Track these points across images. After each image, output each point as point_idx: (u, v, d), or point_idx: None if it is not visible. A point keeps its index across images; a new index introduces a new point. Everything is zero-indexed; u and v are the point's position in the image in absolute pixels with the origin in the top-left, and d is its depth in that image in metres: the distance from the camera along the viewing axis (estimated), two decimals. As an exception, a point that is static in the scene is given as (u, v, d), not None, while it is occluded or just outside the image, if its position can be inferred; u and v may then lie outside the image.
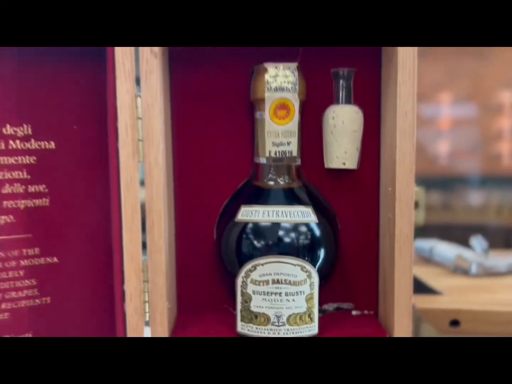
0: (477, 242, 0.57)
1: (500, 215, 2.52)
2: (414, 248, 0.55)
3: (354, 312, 0.39)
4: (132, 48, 0.32)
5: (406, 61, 0.33)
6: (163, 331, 0.34)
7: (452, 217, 2.57)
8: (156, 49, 0.32)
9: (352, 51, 0.37)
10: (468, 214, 2.61)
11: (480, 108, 4.71)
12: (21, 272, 0.34)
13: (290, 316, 0.33)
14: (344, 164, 0.37)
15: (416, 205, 0.36)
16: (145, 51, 0.32)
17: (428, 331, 0.41)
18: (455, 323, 0.42)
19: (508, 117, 4.78)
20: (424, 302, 0.43)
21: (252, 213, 0.35)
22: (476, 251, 0.56)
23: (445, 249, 0.55)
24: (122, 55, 0.32)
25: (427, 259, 0.57)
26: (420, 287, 0.47)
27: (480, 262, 0.52)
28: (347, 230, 0.38)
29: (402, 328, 0.35)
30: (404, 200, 0.34)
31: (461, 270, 0.52)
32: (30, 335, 0.35)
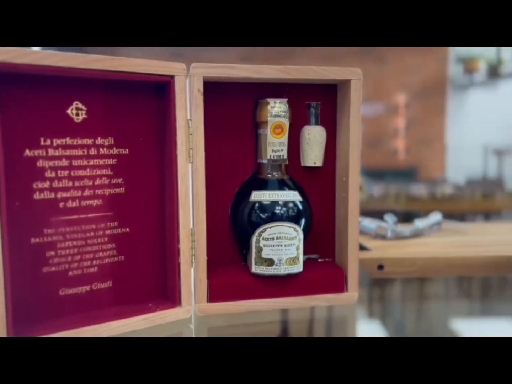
0: (389, 217, 0.80)
1: (398, 203, 2.92)
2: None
3: (320, 260, 0.60)
4: (187, 86, 0.49)
5: (355, 100, 0.54)
6: (203, 276, 0.52)
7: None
8: (202, 88, 0.49)
9: (318, 90, 0.56)
10: (370, 203, 2.98)
11: (379, 109, 5.20)
12: (106, 239, 0.49)
13: (286, 259, 0.52)
14: (315, 163, 0.57)
15: (360, 188, 0.57)
16: (194, 89, 0.49)
17: (362, 273, 0.63)
18: (380, 267, 0.64)
19: (403, 116, 5.32)
20: (360, 255, 0.65)
21: (260, 196, 0.53)
22: (389, 223, 0.79)
23: (368, 222, 0.78)
24: (179, 92, 0.49)
25: (356, 230, 0.79)
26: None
27: (393, 229, 0.75)
28: (315, 205, 0.58)
29: (353, 268, 0.56)
30: (353, 185, 0.54)
31: (380, 235, 0.75)
32: (111, 283, 0.50)
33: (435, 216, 0.81)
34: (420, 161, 4.50)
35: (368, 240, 0.74)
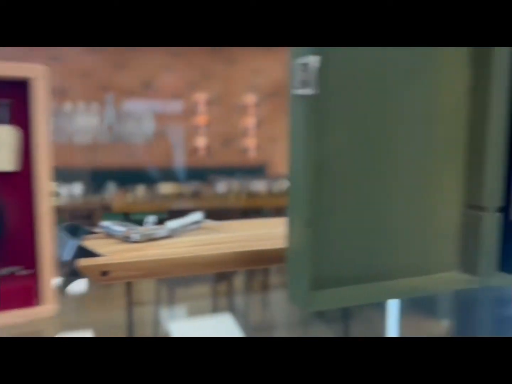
0: (150, 219, 0.79)
1: (238, 200, 3.01)
2: (100, 227, 0.74)
3: (23, 272, 0.55)
4: None
5: (40, 99, 0.50)
6: None
7: (200, 203, 2.94)
8: None
9: (15, 88, 0.52)
10: (213, 200, 3.03)
11: (230, 108, 5.34)
12: None
13: (-42, 276, 0.47)
14: (7, 167, 0.52)
15: (53, 193, 0.53)
16: None
17: (85, 281, 0.60)
18: (104, 273, 0.61)
19: (252, 116, 5.54)
20: (86, 262, 0.62)
21: None
22: (147, 225, 0.78)
23: (118, 226, 0.75)
24: None
25: (109, 234, 0.76)
26: (89, 254, 0.65)
27: (142, 231, 0.74)
28: (14, 214, 0.53)
29: (47, 279, 0.52)
30: (43, 190, 0.51)
31: (128, 239, 0.73)
32: None
33: (194, 216, 0.82)
34: (268, 158, 4.72)
35: (114, 244, 0.72)
